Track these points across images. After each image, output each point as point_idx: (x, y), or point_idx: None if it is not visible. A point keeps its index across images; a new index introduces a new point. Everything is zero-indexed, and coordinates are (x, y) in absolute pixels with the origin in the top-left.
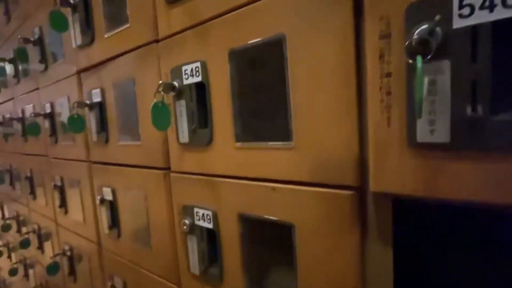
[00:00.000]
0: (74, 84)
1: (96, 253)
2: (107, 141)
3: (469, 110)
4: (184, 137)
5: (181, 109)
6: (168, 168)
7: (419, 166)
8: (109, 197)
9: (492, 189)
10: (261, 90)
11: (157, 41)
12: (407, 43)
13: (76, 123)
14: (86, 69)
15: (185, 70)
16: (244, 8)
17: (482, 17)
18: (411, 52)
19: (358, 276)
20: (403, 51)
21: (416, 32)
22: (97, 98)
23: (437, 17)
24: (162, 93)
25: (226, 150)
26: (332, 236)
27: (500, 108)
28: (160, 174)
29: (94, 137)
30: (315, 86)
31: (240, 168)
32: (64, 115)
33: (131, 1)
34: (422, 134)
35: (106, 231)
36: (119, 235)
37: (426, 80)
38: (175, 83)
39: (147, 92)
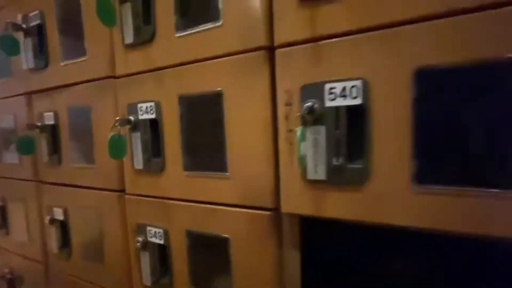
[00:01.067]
0: (22, 104)
1: (43, 274)
2: (59, 162)
3: (335, 159)
4: (139, 164)
5: (136, 140)
6: (123, 190)
7: (310, 194)
8: (60, 217)
9: (353, 209)
10: (205, 130)
11: (114, 77)
12: (299, 114)
13: (26, 145)
14: (37, 91)
15: (140, 107)
16: (191, 65)
17: (340, 102)
18: (303, 119)
19: (277, 277)
20: (299, 117)
21: (305, 106)
22: (49, 121)
23: (313, 101)
24: (119, 126)
25: (176, 177)
26: (257, 246)
27: (354, 159)
28: (115, 195)
29: (45, 158)
30: (245, 132)
31: (188, 192)
32: (8, 133)
33: (90, 36)
34: (311, 173)
35: (56, 250)
36: (70, 254)
37: (312, 138)
38: (131, 118)
39: (103, 121)
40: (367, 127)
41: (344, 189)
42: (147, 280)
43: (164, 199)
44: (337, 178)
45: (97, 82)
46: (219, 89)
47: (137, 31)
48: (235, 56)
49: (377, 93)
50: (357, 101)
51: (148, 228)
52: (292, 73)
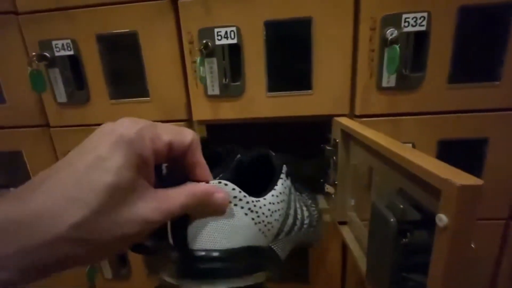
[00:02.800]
0: None
1: None
2: None
3: (224, 80)
4: (62, 97)
5: (55, 76)
6: (47, 125)
7: (210, 105)
8: None
9: (236, 111)
10: (125, 63)
11: (16, 13)
12: (198, 48)
13: None
14: None
15: (56, 44)
16: (108, 6)
17: (224, 41)
18: (201, 52)
19: None
20: (198, 53)
21: (201, 44)
22: None
23: (207, 40)
24: (37, 62)
25: (102, 106)
26: None
27: (234, 80)
28: (39, 130)
29: None
30: (160, 64)
31: (115, 117)
32: None
33: None
34: (210, 91)
35: None
36: None
37: (208, 66)
38: (47, 54)
39: (10, 59)
40: (242, 58)
41: (230, 100)
42: None
43: (92, 126)
44: (225, 92)
45: None
46: (134, 30)
47: None
48: (147, 3)
49: (245, 36)
50: (234, 41)
51: None
52: (192, 19)
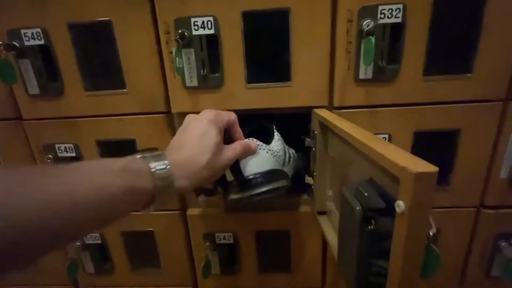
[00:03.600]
0: None
1: None
2: None
3: (202, 72)
4: (34, 89)
5: (26, 67)
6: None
7: (189, 97)
8: None
9: (216, 103)
10: (100, 54)
11: None
12: (174, 38)
13: None
14: None
15: (25, 33)
16: None
17: (201, 31)
18: (177, 43)
19: None
20: (174, 43)
21: (178, 34)
22: None
23: (183, 30)
24: (4, 51)
25: (77, 98)
26: (157, 140)
27: (214, 71)
28: (11, 123)
29: None
30: (136, 55)
31: (92, 109)
32: None
33: None
34: (188, 82)
35: None
36: None
37: (186, 57)
38: (16, 44)
39: None
40: (220, 49)
41: (209, 91)
42: None
43: (68, 119)
44: (204, 84)
45: None
46: (108, 19)
47: None
48: None
49: (222, 26)
50: (212, 31)
51: (57, 145)
52: (168, 9)
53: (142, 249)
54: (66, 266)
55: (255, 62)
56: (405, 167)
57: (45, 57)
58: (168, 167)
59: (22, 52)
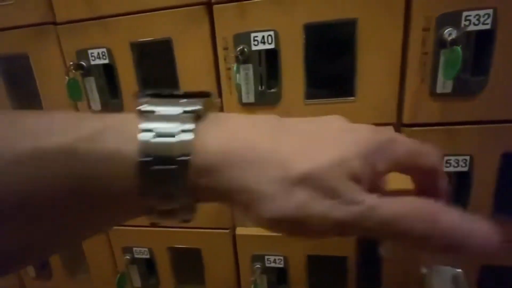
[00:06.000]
0: None
1: None
2: None
3: (260, 87)
4: (97, 106)
5: (91, 85)
6: None
7: (244, 113)
8: None
9: None
10: (158, 72)
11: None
12: (234, 55)
13: None
14: None
15: (91, 53)
16: (142, 14)
17: (261, 46)
18: (237, 59)
19: None
20: (233, 59)
21: (237, 49)
22: None
23: (243, 45)
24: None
25: None
26: None
27: (270, 87)
28: None
29: None
30: (193, 71)
31: None
32: None
33: None
34: (244, 98)
35: None
36: None
37: (244, 73)
38: (83, 63)
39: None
40: (279, 63)
41: (265, 108)
42: None
43: None
44: (261, 100)
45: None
46: (168, 36)
47: None
48: (181, 9)
49: (283, 40)
50: (272, 46)
51: None
52: (227, 25)
53: (188, 266)
54: (116, 278)
55: (315, 76)
56: None
57: (108, 75)
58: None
59: (88, 71)
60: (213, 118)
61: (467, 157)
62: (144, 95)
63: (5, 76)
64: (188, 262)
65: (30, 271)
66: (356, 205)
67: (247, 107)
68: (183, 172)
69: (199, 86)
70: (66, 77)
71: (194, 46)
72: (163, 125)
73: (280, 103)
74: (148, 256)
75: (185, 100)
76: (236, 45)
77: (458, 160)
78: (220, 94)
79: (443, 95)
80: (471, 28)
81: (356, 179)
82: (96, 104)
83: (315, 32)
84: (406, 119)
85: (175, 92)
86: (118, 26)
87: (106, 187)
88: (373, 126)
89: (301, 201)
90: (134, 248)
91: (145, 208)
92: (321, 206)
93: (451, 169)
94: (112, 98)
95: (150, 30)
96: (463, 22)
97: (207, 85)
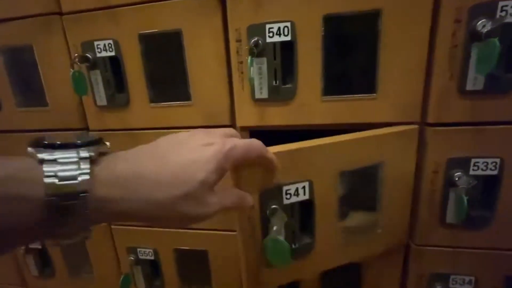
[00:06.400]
0: None
1: None
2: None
3: (274, 82)
4: (102, 100)
5: (96, 78)
6: (86, 128)
7: (256, 110)
8: None
9: (285, 117)
10: (166, 65)
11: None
12: (248, 47)
13: None
14: None
15: (97, 45)
16: (151, 3)
17: (277, 38)
18: (251, 51)
19: None
20: (246, 52)
21: (252, 41)
22: None
23: (257, 37)
24: (79, 63)
25: (142, 109)
26: None
27: (285, 82)
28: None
29: None
30: (203, 64)
31: (154, 122)
32: None
33: None
34: (257, 94)
35: None
36: None
37: (257, 67)
38: (89, 55)
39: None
40: (295, 57)
41: (279, 104)
42: None
43: (132, 130)
44: (275, 96)
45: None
46: (178, 27)
47: None
48: None
49: (300, 32)
50: (288, 38)
51: None
52: (240, 16)
53: (193, 268)
54: (120, 279)
55: (334, 71)
56: None
57: (114, 68)
58: (85, 176)
59: (94, 64)
60: (106, 159)
61: (497, 160)
62: (41, 145)
63: (9, 68)
64: (193, 264)
65: (33, 269)
66: (207, 206)
67: (260, 103)
68: (85, 204)
69: (209, 80)
70: (71, 70)
71: (205, 38)
72: (64, 167)
73: (295, 99)
74: (152, 257)
75: (80, 148)
76: (250, 37)
77: (487, 163)
78: (231, 89)
79: (473, 93)
80: (508, 19)
81: (210, 187)
82: (102, 98)
83: (335, 23)
84: (431, 118)
85: (69, 142)
86: (126, 17)
87: (11, 222)
88: (213, 136)
89: (180, 207)
90: (139, 249)
91: (48, 234)
92: (188, 207)
93: (479, 172)
94: (118, 92)
95: (160, 21)
96: (498, 13)
97: (217, 79)
